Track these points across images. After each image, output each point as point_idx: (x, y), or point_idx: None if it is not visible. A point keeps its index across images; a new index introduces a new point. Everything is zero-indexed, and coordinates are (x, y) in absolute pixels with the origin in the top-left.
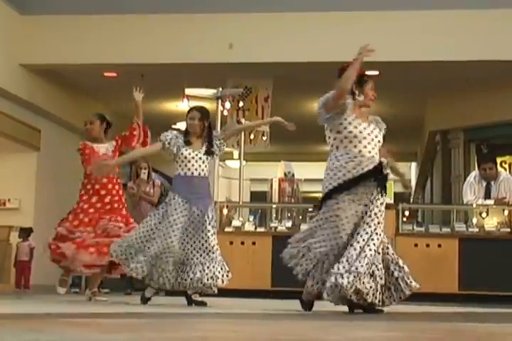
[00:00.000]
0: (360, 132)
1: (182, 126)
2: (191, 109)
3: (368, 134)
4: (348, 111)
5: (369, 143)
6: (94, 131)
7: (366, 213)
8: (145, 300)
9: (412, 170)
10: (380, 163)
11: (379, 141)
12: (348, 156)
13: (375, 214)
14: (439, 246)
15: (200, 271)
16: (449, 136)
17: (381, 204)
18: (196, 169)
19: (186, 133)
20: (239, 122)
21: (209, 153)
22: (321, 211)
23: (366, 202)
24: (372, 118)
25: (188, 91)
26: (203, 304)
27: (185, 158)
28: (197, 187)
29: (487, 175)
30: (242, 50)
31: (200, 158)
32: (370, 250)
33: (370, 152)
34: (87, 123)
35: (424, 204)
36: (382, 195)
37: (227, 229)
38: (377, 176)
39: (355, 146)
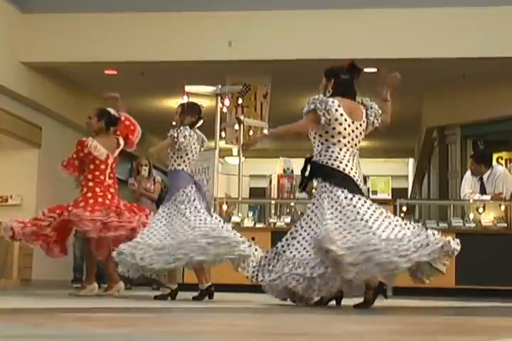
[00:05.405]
0: None
1: None
2: None
3: None
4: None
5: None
6: (92, 126)
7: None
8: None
9: (409, 166)
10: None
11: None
12: None
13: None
14: None
15: None
16: (446, 132)
17: (316, 208)
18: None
19: None
20: (238, 119)
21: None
22: None
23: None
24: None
25: (188, 88)
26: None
27: None
28: None
29: (473, 171)
30: (241, 47)
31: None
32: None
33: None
34: (87, 117)
35: (422, 199)
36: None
37: None
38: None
39: None
